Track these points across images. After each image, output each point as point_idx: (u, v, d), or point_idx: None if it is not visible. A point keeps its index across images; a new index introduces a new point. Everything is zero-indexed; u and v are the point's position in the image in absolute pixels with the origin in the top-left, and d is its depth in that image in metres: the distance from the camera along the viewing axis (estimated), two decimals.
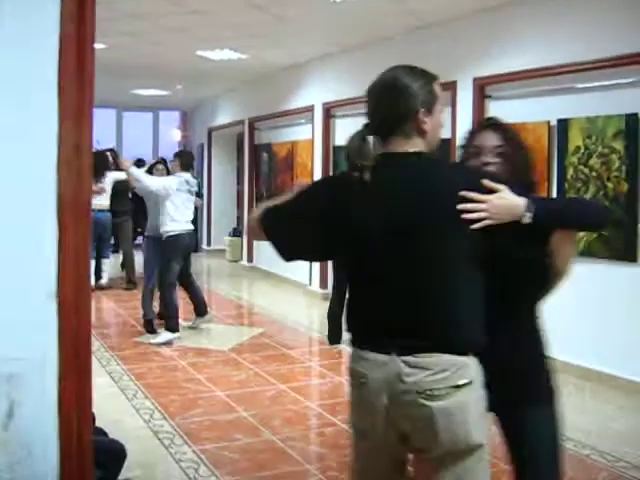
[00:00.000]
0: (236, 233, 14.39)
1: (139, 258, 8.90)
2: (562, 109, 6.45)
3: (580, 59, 6.12)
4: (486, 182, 2.21)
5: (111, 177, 10.12)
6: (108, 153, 10.33)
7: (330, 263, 8.69)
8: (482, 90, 7.25)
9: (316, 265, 10.12)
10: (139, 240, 10.54)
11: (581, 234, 6.18)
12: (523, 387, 2.60)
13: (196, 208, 15.28)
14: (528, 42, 6.73)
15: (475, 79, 7.27)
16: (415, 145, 2.32)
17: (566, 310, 6.47)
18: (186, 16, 7.56)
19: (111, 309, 9.32)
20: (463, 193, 2.18)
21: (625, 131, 5.83)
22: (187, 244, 7.56)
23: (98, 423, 3.61)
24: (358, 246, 2.31)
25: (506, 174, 2.52)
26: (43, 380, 1.70)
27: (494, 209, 2.18)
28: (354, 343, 2.35)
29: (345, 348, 7.26)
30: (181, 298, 7.75)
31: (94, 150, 9.87)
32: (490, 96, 7.22)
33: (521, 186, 2.31)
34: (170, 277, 7.35)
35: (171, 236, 7.31)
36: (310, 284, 10.32)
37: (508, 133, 2.72)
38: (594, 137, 6.09)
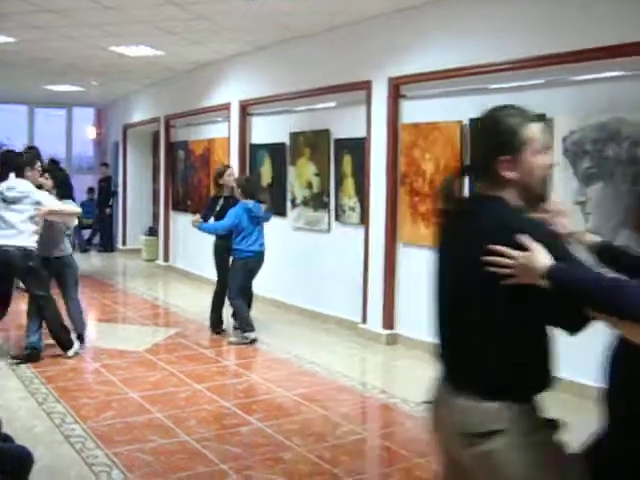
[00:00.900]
0: (152, 232, 14.17)
1: None
2: (474, 109, 6.53)
3: (492, 60, 6.26)
4: (520, 238, 2.11)
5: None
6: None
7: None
8: (397, 90, 7.34)
9: None
10: None
11: None
12: None
13: (111, 206, 15.13)
14: (442, 43, 6.84)
15: (390, 79, 7.35)
16: (498, 190, 2.26)
17: None
18: (100, 11, 7.40)
19: (21, 312, 9.05)
20: (491, 247, 2.13)
21: None
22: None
23: (7, 428, 3.52)
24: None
25: None
26: None
27: (517, 267, 2.11)
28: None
29: (261, 347, 7.26)
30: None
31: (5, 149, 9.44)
32: (405, 96, 7.31)
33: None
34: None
35: None
36: None
37: None
38: None
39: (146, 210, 15.24)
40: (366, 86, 7.64)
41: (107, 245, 15.52)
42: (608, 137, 5.45)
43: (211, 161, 11.02)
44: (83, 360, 6.72)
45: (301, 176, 8.87)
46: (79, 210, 7.11)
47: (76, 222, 7.37)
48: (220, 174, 8.03)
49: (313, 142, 8.65)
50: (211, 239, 8.05)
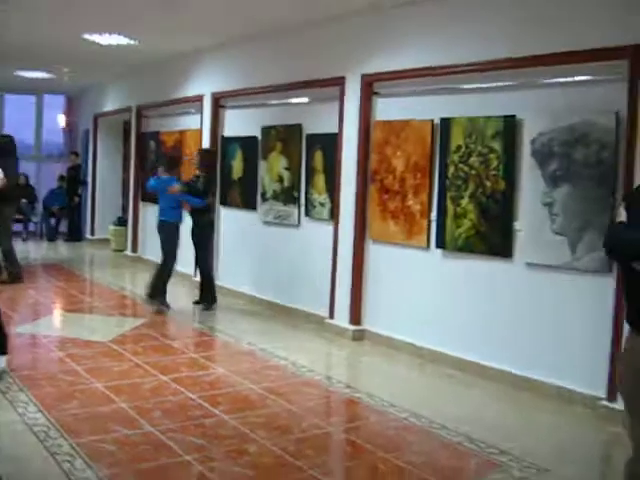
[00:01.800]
0: (121, 222, 14.09)
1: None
2: (445, 108, 6.63)
3: (464, 61, 6.31)
4: None
5: None
6: None
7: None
8: (370, 87, 7.37)
9: None
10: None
11: (461, 229, 6.39)
12: None
13: (80, 195, 15.04)
14: (416, 42, 6.88)
15: (363, 76, 7.38)
16: None
17: (443, 303, 6.69)
18: None
19: None
20: None
21: (503, 132, 6.05)
22: None
23: None
24: None
25: None
26: None
27: None
28: None
29: (228, 340, 7.26)
30: None
31: None
32: (378, 93, 7.34)
33: None
34: None
35: None
36: (195, 275, 10.23)
37: None
38: (474, 136, 6.28)
39: (115, 200, 15.14)
40: (339, 82, 7.66)
41: (75, 234, 15.39)
42: (576, 140, 5.52)
43: (182, 153, 10.97)
44: (48, 349, 6.68)
45: (272, 170, 8.87)
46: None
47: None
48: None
49: (285, 137, 8.65)
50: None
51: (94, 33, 9.26)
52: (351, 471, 4.40)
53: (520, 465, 4.40)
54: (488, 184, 6.17)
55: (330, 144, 7.87)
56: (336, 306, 7.74)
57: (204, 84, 10.25)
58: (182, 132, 11.09)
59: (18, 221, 10.85)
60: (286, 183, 8.64)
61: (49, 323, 8.01)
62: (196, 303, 8.88)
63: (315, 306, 8.12)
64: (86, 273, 12.01)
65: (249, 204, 9.33)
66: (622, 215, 3.01)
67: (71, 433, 4.56)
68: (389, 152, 7.15)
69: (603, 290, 5.35)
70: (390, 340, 7.17)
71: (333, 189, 7.84)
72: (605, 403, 5.28)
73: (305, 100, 8.32)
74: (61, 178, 15.89)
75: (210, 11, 7.87)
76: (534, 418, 5.33)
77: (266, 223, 9.03)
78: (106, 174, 15.19)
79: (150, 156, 12.24)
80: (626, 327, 4.71)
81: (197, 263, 9.12)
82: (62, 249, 14.40)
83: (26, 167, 14.15)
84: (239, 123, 9.67)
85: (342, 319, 7.64)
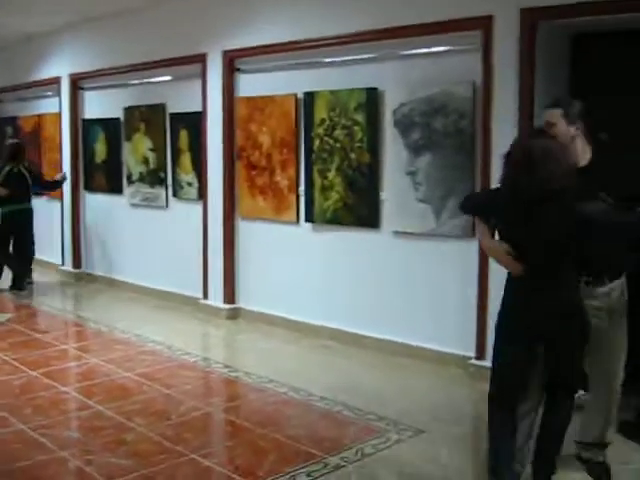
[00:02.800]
0: None
1: None
2: (309, 82, 6.65)
3: (325, 34, 6.34)
4: None
5: None
6: None
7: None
8: (232, 63, 7.29)
9: (68, 245, 9.76)
10: None
11: (329, 202, 6.45)
12: None
13: None
14: (277, 16, 6.83)
15: (225, 52, 7.29)
16: None
17: (315, 277, 6.75)
18: None
19: None
20: None
21: (365, 104, 6.13)
22: None
23: None
24: None
25: None
26: None
27: None
28: None
29: (101, 328, 7.08)
30: None
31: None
32: (240, 69, 7.27)
33: None
34: None
35: None
36: (63, 264, 9.93)
37: None
38: (338, 110, 6.33)
39: None
40: (201, 59, 7.54)
41: None
42: (435, 110, 5.66)
43: (41, 137, 10.55)
44: None
45: (137, 152, 8.66)
46: None
47: None
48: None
49: (148, 117, 8.46)
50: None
51: None
52: (231, 450, 4.39)
53: (397, 429, 4.53)
54: (353, 156, 6.24)
55: (195, 123, 7.75)
56: (209, 286, 7.68)
57: (60, 65, 9.84)
58: (41, 116, 10.64)
59: None
60: (152, 164, 8.46)
61: None
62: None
63: (188, 288, 8.01)
64: None
65: (115, 188, 9.08)
66: None
67: None
68: (254, 128, 7.11)
69: (467, 254, 5.53)
70: (265, 317, 7.18)
71: (200, 168, 7.74)
72: (475, 362, 5.49)
73: (167, 78, 8.14)
74: None
75: None
76: (410, 383, 5.47)
77: (133, 206, 8.83)
78: None
79: (8, 142, 11.67)
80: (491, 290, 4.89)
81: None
82: None
83: None
84: (100, 105, 9.36)
85: (216, 299, 7.59)
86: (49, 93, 10.22)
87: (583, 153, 3.59)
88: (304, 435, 4.46)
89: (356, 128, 6.22)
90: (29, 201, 8.99)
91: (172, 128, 8.15)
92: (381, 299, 6.21)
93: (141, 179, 8.63)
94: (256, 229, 7.25)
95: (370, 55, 6.14)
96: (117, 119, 8.93)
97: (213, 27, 7.42)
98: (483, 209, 3.63)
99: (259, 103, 7.04)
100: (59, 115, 9.90)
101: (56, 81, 9.90)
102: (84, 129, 9.58)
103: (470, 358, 5.53)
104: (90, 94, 9.54)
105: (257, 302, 7.30)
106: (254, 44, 6.99)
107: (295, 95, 6.72)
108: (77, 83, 9.59)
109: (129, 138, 8.78)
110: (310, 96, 6.58)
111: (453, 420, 4.70)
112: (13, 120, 11.46)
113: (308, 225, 6.75)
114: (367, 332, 6.29)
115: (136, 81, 8.59)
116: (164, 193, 8.33)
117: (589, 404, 3.84)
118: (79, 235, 9.70)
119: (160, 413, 4.83)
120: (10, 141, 9.61)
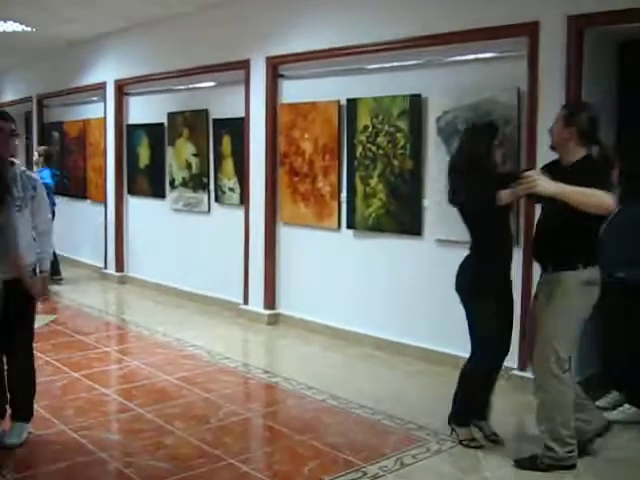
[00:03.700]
0: None
1: None
2: (352, 89, 6.63)
3: (369, 41, 6.33)
4: None
5: None
6: None
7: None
8: (275, 69, 7.31)
9: (111, 248, 9.86)
10: None
11: (371, 209, 6.42)
12: None
13: None
14: (320, 23, 6.85)
15: (268, 58, 7.31)
16: None
17: (356, 284, 6.72)
18: None
19: None
20: None
21: (409, 111, 6.09)
22: None
23: None
24: None
25: None
26: None
27: None
28: None
29: (142, 331, 7.13)
30: None
31: None
32: (283, 75, 7.29)
33: None
34: None
35: None
36: (106, 267, 10.03)
37: None
38: (381, 116, 6.31)
39: None
40: (245, 65, 7.57)
41: None
42: (480, 117, 5.59)
43: (86, 142, 10.69)
44: None
45: (180, 157, 8.73)
46: None
47: None
48: None
49: (191, 122, 8.52)
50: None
51: None
52: (270, 456, 4.37)
53: (437, 438, 4.48)
54: (396, 163, 6.21)
55: (237, 128, 7.78)
56: (250, 292, 7.69)
57: (106, 71, 9.97)
58: (86, 121, 10.78)
59: None
60: (195, 169, 8.52)
61: None
62: None
63: (229, 293, 8.04)
64: None
65: (157, 192, 9.16)
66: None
67: None
68: (297, 135, 7.11)
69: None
70: (305, 323, 7.18)
71: (242, 174, 7.77)
72: (517, 373, 5.41)
73: (211, 84, 8.20)
74: None
75: None
76: (452, 393, 5.39)
77: (175, 211, 8.89)
78: None
79: (54, 147, 11.86)
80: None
81: None
82: None
83: None
84: (144, 110, 9.47)
85: (256, 304, 7.60)
86: (94, 98, 10.36)
87: (573, 153, 4.03)
88: (343, 443, 4.43)
89: (399, 135, 6.19)
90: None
91: (215, 133, 8.20)
92: (423, 307, 6.15)
93: (184, 184, 8.70)
94: (297, 235, 7.25)
95: (414, 62, 6.11)
96: (161, 124, 9.01)
97: (257, 33, 7.45)
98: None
99: (302, 109, 7.05)
100: (104, 120, 10.02)
101: (102, 86, 10.03)
102: (128, 134, 9.68)
103: (512, 369, 5.45)
104: (135, 99, 9.65)
105: (297, 308, 7.30)
106: (297, 50, 7.01)
107: (338, 101, 6.71)
108: (122, 88, 9.71)
109: (172, 143, 8.85)
110: (353, 103, 6.57)
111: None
112: (59, 125, 11.64)
113: (349, 232, 6.73)
114: (409, 340, 6.25)
115: (180, 87, 8.66)
116: (206, 198, 8.38)
117: None
118: (122, 239, 9.80)
119: (199, 417, 4.84)
120: (43, 147, 10.20)
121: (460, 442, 4.38)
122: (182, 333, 7.06)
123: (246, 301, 7.75)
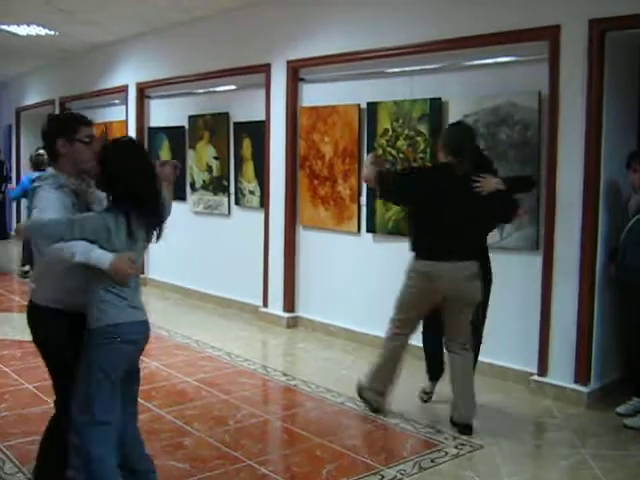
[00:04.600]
0: None
1: None
2: (372, 93, 6.64)
3: (388, 45, 6.33)
4: None
5: None
6: None
7: None
8: (296, 73, 7.33)
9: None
10: None
11: (391, 212, 6.42)
12: None
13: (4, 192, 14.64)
14: (341, 27, 6.86)
15: (289, 62, 7.34)
16: None
17: (375, 287, 6.71)
18: None
19: None
20: None
21: (429, 114, 6.09)
22: None
23: None
24: None
25: None
26: None
27: None
28: None
29: (162, 333, 7.17)
30: None
31: None
32: (303, 79, 7.31)
33: None
34: None
35: None
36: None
37: None
38: (401, 120, 6.31)
39: None
40: (265, 69, 7.60)
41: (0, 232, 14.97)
42: (500, 120, 5.59)
43: None
44: None
45: (200, 160, 8.77)
46: None
47: None
48: None
49: (212, 125, 8.56)
50: None
51: (12, 24, 8.99)
52: (288, 458, 4.38)
53: (455, 443, 4.47)
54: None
55: (258, 132, 7.81)
56: (269, 294, 7.71)
57: (128, 74, 10.05)
58: (108, 124, 10.85)
59: None
60: (215, 172, 8.55)
61: None
62: None
63: (248, 295, 8.07)
64: (14, 271, 11.70)
65: (178, 195, 9.19)
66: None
67: (0, 436, 4.44)
68: (317, 138, 7.13)
69: (532, 267, 5.44)
70: (325, 326, 7.18)
71: (263, 177, 7.79)
72: (536, 378, 5.39)
73: (232, 88, 8.23)
74: None
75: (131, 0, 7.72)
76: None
77: (196, 213, 8.93)
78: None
79: None
80: (554, 303, 4.84)
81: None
82: None
83: None
84: (165, 113, 9.52)
85: (276, 307, 7.62)
86: (116, 101, 10.43)
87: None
88: (361, 446, 4.44)
89: (419, 139, 6.19)
90: None
91: (236, 137, 8.23)
92: None
93: (204, 187, 8.74)
94: (317, 238, 7.27)
95: (434, 65, 6.11)
96: (182, 127, 9.06)
97: (277, 37, 7.48)
98: None
99: (322, 113, 7.07)
100: (126, 123, 10.08)
101: (123, 89, 10.10)
102: (150, 137, 9.74)
103: (532, 374, 5.43)
104: (156, 102, 9.70)
105: (317, 311, 7.31)
106: (318, 54, 7.02)
107: (358, 105, 6.72)
108: (144, 91, 9.77)
109: (193, 146, 8.89)
110: (373, 106, 6.57)
111: (512, 436, 4.61)
112: None
113: (369, 235, 6.73)
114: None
115: (201, 90, 8.70)
116: (227, 201, 8.41)
117: None
118: None
119: (218, 419, 4.86)
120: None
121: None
122: (202, 335, 7.09)
123: (265, 304, 7.77)
